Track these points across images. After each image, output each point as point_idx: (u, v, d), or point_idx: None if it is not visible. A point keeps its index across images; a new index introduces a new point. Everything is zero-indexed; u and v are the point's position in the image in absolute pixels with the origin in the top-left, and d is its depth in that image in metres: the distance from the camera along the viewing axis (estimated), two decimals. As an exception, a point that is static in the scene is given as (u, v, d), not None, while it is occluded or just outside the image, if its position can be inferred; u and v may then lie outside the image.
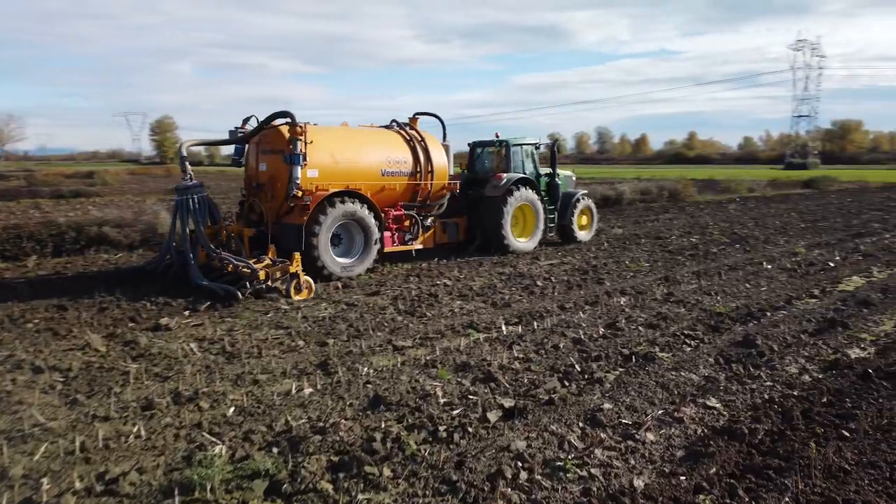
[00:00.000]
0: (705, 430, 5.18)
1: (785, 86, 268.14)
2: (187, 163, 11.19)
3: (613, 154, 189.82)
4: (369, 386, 6.11)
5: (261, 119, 11.87)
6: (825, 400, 5.74)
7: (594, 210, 16.86)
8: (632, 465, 4.62)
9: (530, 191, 14.70)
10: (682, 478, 4.40)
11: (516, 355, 7.03)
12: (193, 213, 10.78)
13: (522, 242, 14.73)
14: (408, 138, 13.33)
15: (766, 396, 5.91)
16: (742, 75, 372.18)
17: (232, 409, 5.54)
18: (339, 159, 11.96)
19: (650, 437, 5.03)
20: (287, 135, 11.30)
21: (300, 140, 11.19)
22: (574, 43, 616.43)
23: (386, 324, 8.39)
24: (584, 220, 16.51)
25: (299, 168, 11.17)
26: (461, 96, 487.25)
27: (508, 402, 5.64)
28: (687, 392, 5.98)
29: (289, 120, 11.28)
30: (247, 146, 12.46)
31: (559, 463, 4.59)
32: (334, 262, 11.47)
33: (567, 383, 6.17)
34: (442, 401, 5.72)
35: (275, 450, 4.79)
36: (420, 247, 13.45)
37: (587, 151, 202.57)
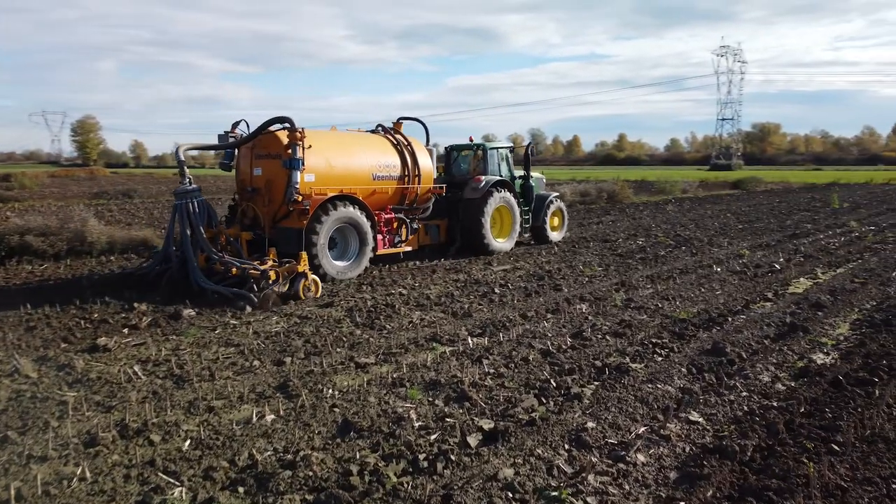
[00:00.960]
0: (694, 448, 5.00)
1: (708, 89, 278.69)
2: (185, 167, 11.05)
3: (546, 155, 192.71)
4: (336, 410, 5.70)
5: (251, 124, 12.04)
6: (804, 410, 5.67)
7: (565, 212, 17.49)
8: (627, 491, 4.38)
9: (507, 193, 15.14)
10: (682, 503, 4.19)
11: (487, 370, 6.74)
12: (193, 217, 10.65)
13: (501, 243, 15.15)
14: (395, 143, 13.64)
15: (746, 408, 5.80)
16: (668, 79, 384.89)
17: (188, 443, 5.04)
18: (334, 164, 12.15)
19: (640, 458, 4.81)
20: (284, 140, 11.44)
21: (299, 145, 11.31)
22: (507, 46, 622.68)
23: (344, 338, 7.96)
24: (556, 221, 17.14)
25: (298, 173, 11.30)
26: (398, 98, 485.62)
27: (488, 424, 5.34)
28: (666, 406, 5.81)
29: (287, 125, 11.38)
30: (236, 150, 12.36)
31: (553, 493, 4.31)
32: (332, 265, 11.63)
33: (545, 400, 5.91)
34: (417, 424, 5.37)
35: (241, 489, 4.34)
36: (409, 249, 13.81)
37: (520, 152, 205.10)
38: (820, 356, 7.34)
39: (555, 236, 16.96)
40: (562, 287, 10.97)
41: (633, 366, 6.85)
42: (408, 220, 13.64)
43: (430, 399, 5.98)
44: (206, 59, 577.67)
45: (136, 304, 9.48)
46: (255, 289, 9.77)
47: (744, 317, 8.94)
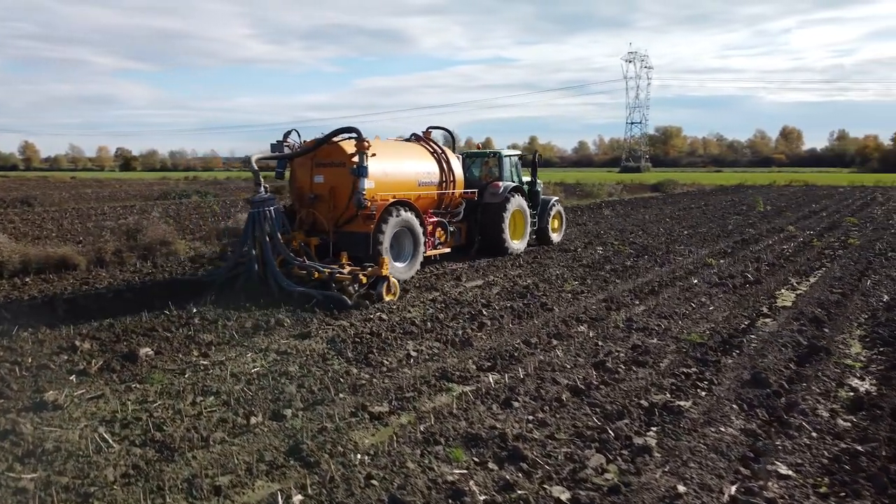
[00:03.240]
0: (808, 514, 4.37)
1: (611, 94, 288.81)
2: (260, 175, 11.57)
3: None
4: (375, 483, 4.72)
5: (302, 133, 12.92)
6: (887, 454, 5.16)
7: (563, 215, 18.74)
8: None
9: (521, 198, 16.10)
10: None
11: (524, 416, 5.92)
12: (271, 224, 11.06)
13: (516, 244, 16.07)
14: (432, 151, 14.44)
15: (829, 454, 5.24)
16: (572, 83, 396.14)
17: (206, 546, 3.96)
18: (388, 171, 12.73)
19: (760, 532, 4.12)
20: (349, 149, 12.09)
21: (366, 154, 11.81)
22: (414, 48, 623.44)
23: (341, 379, 6.94)
24: (556, 223, 18.21)
25: (365, 180, 11.84)
26: (303, 98, 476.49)
27: (564, 494, 4.53)
28: (743, 455, 5.17)
29: (355, 135, 11.97)
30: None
31: None
32: (393, 266, 11.94)
33: (611, 456, 5.15)
34: (482, 499, 4.48)
35: None
36: (447, 250, 14.57)
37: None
38: (856, 381, 6.96)
39: (555, 237, 17.97)
40: (550, 306, 10.27)
41: (682, 404, 6.20)
42: (446, 224, 14.35)
43: (478, 460, 5.10)
44: (98, 56, 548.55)
45: (77, 343, 8.09)
46: (354, 290, 10.39)
47: (754, 336, 8.51)
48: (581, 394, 6.50)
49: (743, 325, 9.10)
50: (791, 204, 32.94)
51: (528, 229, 16.52)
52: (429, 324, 9.27)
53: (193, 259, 15.33)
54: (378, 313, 9.90)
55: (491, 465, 5.02)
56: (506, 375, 7.07)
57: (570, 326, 9.12)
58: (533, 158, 17.91)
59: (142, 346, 7.99)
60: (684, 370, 7.18)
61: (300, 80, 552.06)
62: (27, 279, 12.79)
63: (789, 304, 10.49)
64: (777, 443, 5.42)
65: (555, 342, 8.34)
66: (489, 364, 7.47)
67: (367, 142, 11.94)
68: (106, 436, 5.48)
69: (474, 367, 7.39)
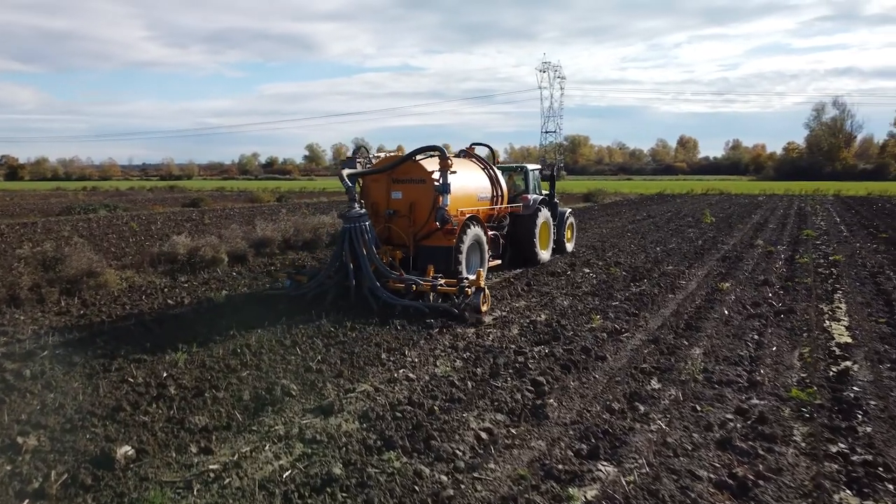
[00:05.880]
0: None
1: (517, 104, 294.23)
2: (354, 192, 12.09)
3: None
4: None
5: (371, 150, 13.67)
6: None
7: (574, 225, 19.63)
8: None
9: (547, 210, 16.61)
10: None
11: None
12: (366, 240, 11.43)
13: (544, 254, 16.63)
14: (483, 167, 14.88)
15: None
16: (478, 92, 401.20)
17: None
18: (458, 187, 12.83)
19: None
20: (428, 166, 12.60)
21: (449, 171, 12.19)
22: (321, 54, 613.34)
23: (416, 487, 5.11)
24: (569, 233, 19.00)
25: (448, 196, 12.20)
26: (205, 104, 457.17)
27: None
28: None
29: (439, 153, 12.37)
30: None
31: None
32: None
33: None
34: None
35: None
36: (498, 262, 14.90)
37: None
38: None
39: (569, 246, 18.86)
40: (596, 352, 8.73)
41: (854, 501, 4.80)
42: (499, 237, 14.89)
43: None
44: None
45: (20, 440, 5.87)
46: (458, 300, 10.76)
47: (858, 389, 7.30)
48: (742, 495, 4.98)
49: (832, 373, 7.90)
50: (732, 215, 33.09)
51: (552, 239, 17.13)
52: (469, 384, 7.55)
53: (131, 291, 12.94)
54: (394, 370, 8.08)
55: None
56: (622, 466, 5.47)
57: (641, 382, 7.63)
58: (551, 172, 18.53)
59: (114, 440, 5.88)
60: (835, 448, 5.82)
61: (202, 85, 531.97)
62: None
63: (849, 339, 9.44)
64: None
65: (642, 408, 6.80)
66: (587, 447, 5.85)
67: (451, 160, 12.29)
68: None
69: (572, 453, 5.76)
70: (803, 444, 5.94)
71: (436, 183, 12.30)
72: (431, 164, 12.63)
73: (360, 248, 11.27)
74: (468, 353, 8.79)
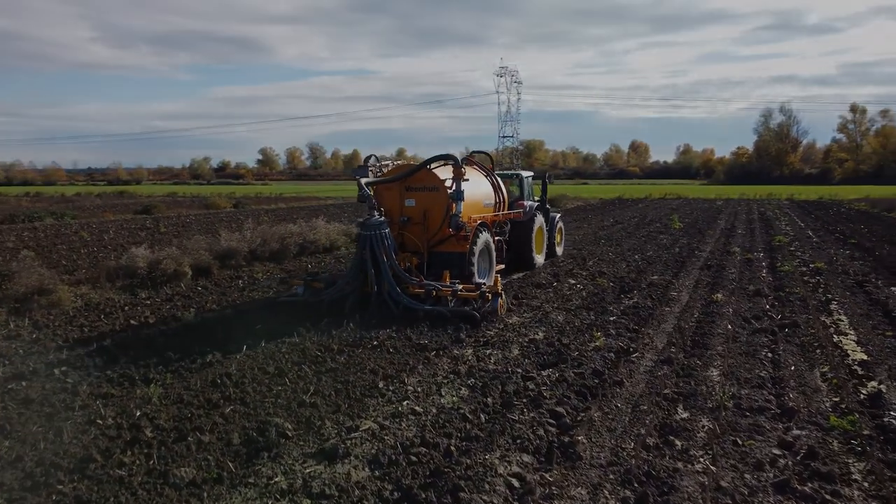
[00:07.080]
0: None
1: (471, 108, 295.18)
2: (373, 199, 12.30)
3: (327, 170, 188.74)
4: None
5: (381, 159, 13.78)
6: None
7: (563, 229, 20.36)
8: None
9: (541, 215, 17.29)
10: None
11: None
12: (386, 247, 11.64)
13: (539, 258, 17.22)
14: (486, 174, 15.17)
15: None
16: (431, 97, 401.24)
17: None
18: (467, 195, 12.93)
19: None
20: (441, 174, 12.94)
21: (462, 179, 12.47)
22: (274, 57, 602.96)
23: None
24: (559, 237, 19.67)
25: (462, 203, 12.48)
26: (154, 107, 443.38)
27: None
28: None
29: (453, 162, 12.57)
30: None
31: None
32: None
33: None
34: None
35: None
36: (502, 267, 15.04)
37: (300, 167, 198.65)
38: None
39: (559, 250, 19.49)
40: (611, 377, 8.12)
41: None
42: (503, 243, 15.25)
43: None
44: None
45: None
46: (476, 304, 11.19)
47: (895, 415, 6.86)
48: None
49: (863, 396, 7.45)
50: (698, 220, 33.18)
51: (545, 244, 17.71)
52: (483, 416, 6.85)
53: (87, 310, 11.87)
54: (396, 403, 7.32)
55: None
56: (682, 524, 4.85)
57: (667, 411, 7.05)
58: (544, 179, 18.95)
59: (87, 502, 4.98)
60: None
61: (151, 88, 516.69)
62: None
63: (864, 356, 9.06)
64: None
65: (678, 442, 6.21)
66: (635, 496, 5.20)
67: (464, 168, 12.59)
68: None
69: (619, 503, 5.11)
70: (866, 485, 5.42)
71: (449, 191, 12.59)
72: (444, 173, 12.94)
73: (381, 254, 11.51)
74: (472, 380, 8.09)
